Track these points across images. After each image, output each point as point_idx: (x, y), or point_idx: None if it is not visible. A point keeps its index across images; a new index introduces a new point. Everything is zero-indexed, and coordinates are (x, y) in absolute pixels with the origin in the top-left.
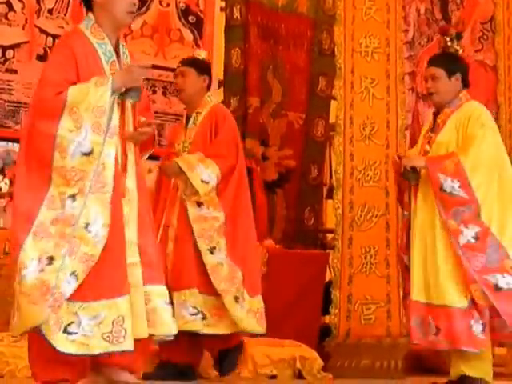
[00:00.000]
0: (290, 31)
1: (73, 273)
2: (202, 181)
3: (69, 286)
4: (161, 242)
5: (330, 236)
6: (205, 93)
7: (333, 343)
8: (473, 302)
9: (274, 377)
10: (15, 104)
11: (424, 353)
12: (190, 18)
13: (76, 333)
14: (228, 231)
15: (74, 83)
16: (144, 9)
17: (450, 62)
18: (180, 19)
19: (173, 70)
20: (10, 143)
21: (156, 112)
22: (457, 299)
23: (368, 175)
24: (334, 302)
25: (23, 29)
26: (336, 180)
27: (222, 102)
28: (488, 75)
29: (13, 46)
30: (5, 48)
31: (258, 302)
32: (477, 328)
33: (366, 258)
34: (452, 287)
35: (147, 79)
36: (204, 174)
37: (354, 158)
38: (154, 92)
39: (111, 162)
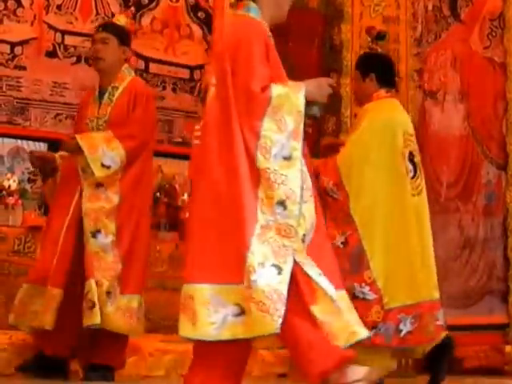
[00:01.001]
0: (300, 27)
1: None
2: (103, 165)
3: None
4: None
5: None
6: (122, 65)
7: None
8: None
9: (283, 375)
10: (24, 101)
11: None
12: (199, 14)
13: None
14: (122, 217)
15: (271, 77)
16: (154, 4)
17: (363, 63)
18: (189, 15)
19: (183, 66)
20: (19, 140)
21: (166, 108)
22: None
23: None
24: None
25: (32, 25)
26: None
27: None
28: (496, 72)
29: (21, 43)
30: (13, 44)
31: (130, 301)
32: None
33: None
34: None
35: (157, 75)
36: (106, 157)
37: None
38: (164, 88)
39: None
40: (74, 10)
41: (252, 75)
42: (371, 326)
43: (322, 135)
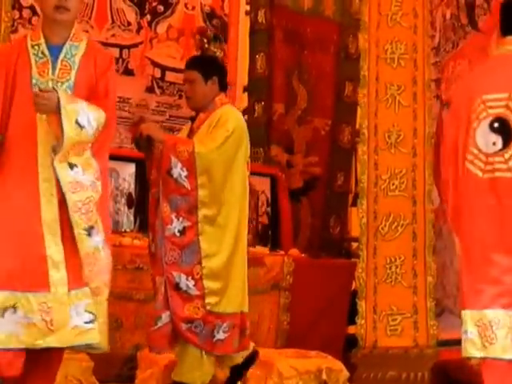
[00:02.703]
0: (315, 35)
1: None
2: (77, 122)
3: None
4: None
5: (354, 244)
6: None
7: (359, 354)
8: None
9: None
10: None
11: (451, 365)
12: (214, 22)
13: None
14: (100, 207)
15: None
16: (169, 12)
17: (206, 65)
18: (205, 22)
19: None
20: None
21: (182, 117)
22: None
23: (393, 184)
24: (360, 313)
25: None
26: (360, 189)
27: (247, 107)
28: None
29: None
30: None
31: None
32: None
33: (390, 268)
34: None
35: (173, 83)
36: (82, 115)
37: (379, 167)
38: (180, 97)
39: None
40: (90, 19)
41: None
42: (186, 321)
43: (337, 145)
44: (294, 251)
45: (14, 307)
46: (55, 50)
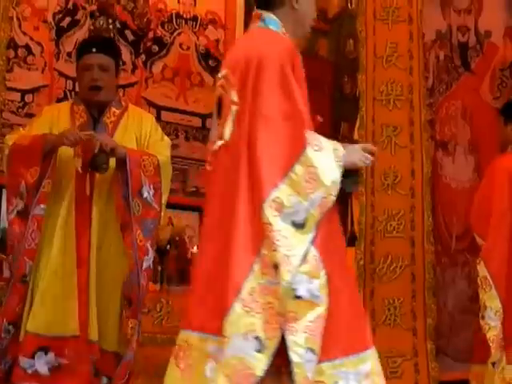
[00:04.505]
0: (310, 75)
1: None
2: None
3: None
4: None
5: None
6: None
7: None
8: None
9: None
10: None
11: None
12: (209, 62)
13: None
14: None
15: None
16: (164, 51)
17: (119, 53)
18: (200, 63)
19: (195, 114)
20: None
21: (179, 157)
22: None
23: (391, 225)
24: None
25: (42, 72)
26: (359, 231)
27: None
28: None
29: (32, 90)
30: (24, 92)
31: None
32: None
33: (389, 310)
34: None
35: (170, 123)
36: None
37: (375, 209)
38: (177, 136)
39: None
40: None
41: None
42: None
43: None
44: None
45: None
46: None
